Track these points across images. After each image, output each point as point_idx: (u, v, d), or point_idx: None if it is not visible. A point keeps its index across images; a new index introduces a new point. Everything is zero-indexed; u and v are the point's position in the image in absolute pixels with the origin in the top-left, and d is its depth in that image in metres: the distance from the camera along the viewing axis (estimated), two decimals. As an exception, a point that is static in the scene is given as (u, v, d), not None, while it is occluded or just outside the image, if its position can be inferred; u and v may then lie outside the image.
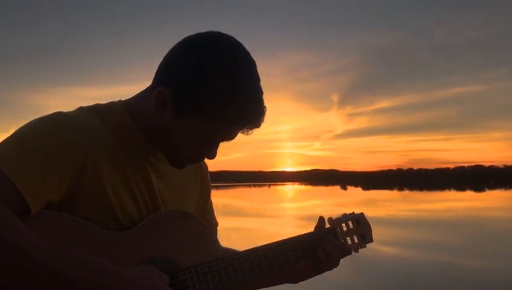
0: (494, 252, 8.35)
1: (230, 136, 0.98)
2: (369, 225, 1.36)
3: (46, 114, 0.93)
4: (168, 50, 0.98)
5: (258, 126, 0.96)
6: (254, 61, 0.97)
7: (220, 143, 1.00)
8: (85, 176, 0.89)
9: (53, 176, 0.84)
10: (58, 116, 0.92)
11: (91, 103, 1.01)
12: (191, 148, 0.98)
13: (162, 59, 0.99)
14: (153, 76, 1.00)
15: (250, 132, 0.98)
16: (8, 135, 0.88)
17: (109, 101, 1.03)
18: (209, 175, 1.24)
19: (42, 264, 0.73)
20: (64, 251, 0.77)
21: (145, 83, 1.02)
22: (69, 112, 0.96)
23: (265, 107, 0.96)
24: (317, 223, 1.25)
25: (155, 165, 1.03)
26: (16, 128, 0.90)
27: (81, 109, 0.98)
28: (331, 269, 1.21)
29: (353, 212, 1.36)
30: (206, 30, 0.98)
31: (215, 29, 0.98)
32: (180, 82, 0.93)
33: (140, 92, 1.02)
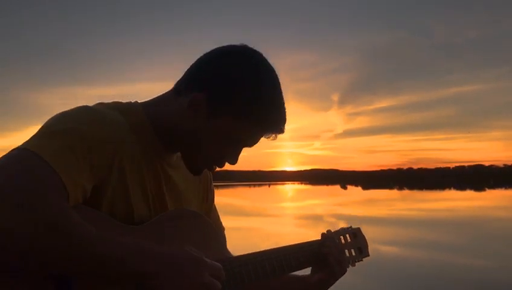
0: (495, 251, 8.36)
1: (254, 140, 1.04)
2: (365, 239, 1.41)
3: (55, 114, 0.94)
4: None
5: (282, 132, 1.04)
6: (277, 75, 1.04)
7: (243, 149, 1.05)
8: (112, 172, 0.92)
9: (87, 167, 0.87)
10: (87, 110, 0.94)
11: (91, 102, 1.01)
12: (216, 151, 1.02)
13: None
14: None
15: (274, 137, 1.04)
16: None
17: (113, 100, 1.04)
18: (212, 182, 1.27)
19: (92, 246, 0.78)
20: (111, 234, 0.83)
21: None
22: (96, 106, 0.97)
23: (286, 114, 1.03)
24: (322, 237, 1.30)
25: (166, 171, 1.05)
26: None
27: (103, 104, 0.99)
28: (340, 276, 1.25)
29: (350, 226, 1.41)
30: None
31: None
32: (213, 85, 0.98)
33: (161, 96, 1.05)
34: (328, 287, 1.26)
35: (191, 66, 1.03)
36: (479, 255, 7.98)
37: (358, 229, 1.39)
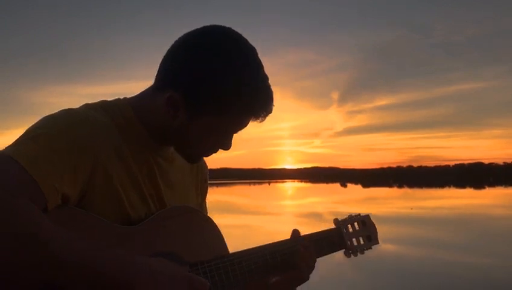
0: (494, 249, 8.35)
1: (243, 126, 1.01)
2: (375, 227, 1.36)
3: (53, 112, 0.93)
4: (168, 47, 0.99)
5: (270, 112, 1.00)
6: (255, 49, 0.99)
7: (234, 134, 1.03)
8: (96, 173, 0.90)
9: (68, 171, 0.85)
10: (68, 113, 0.93)
11: (90, 100, 1.01)
12: (207, 143, 1.01)
13: (160, 56, 1.01)
14: (152, 73, 1.02)
15: (264, 118, 1.00)
16: (17, 131, 0.88)
17: (113, 98, 1.04)
18: (208, 176, 1.26)
19: (64, 255, 0.74)
20: (87, 242, 0.79)
21: (145, 80, 1.04)
22: (77, 108, 0.96)
23: (272, 91, 0.99)
24: (292, 235, 1.21)
25: (160, 164, 1.04)
26: (15, 126, 0.90)
27: (88, 105, 0.98)
28: (301, 282, 1.15)
29: (359, 214, 1.37)
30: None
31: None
32: (188, 84, 0.94)
33: (145, 90, 1.03)
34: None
35: (164, 59, 0.99)
36: (479, 253, 7.99)
37: (368, 217, 1.36)
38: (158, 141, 1.02)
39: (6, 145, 0.85)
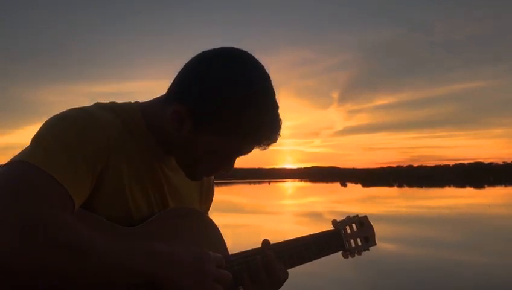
0: (494, 248, 8.36)
1: (247, 151, 1.00)
2: (373, 228, 1.37)
3: (54, 111, 0.93)
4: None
5: (274, 141, 0.98)
6: (268, 76, 0.98)
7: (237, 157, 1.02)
8: (107, 173, 0.91)
9: (86, 171, 0.86)
10: (81, 113, 0.92)
11: (91, 100, 1.01)
12: (208, 162, 0.99)
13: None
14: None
15: (268, 147, 0.99)
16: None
17: (114, 99, 1.04)
18: (213, 186, 1.25)
19: (106, 261, 0.76)
20: (120, 242, 0.81)
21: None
22: (89, 108, 0.96)
23: (280, 120, 0.97)
24: (262, 244, 1.15)
25: (166, 173, 1.04)
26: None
27: (99, 105, 0.98)
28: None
29: (357, 215, 1.37)
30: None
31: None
32: (195, 100, 0.94)
33: (156, 99, 1.03)
34: None
35: (179, 72, 0.99)
36: (478, 252, 8.00)
37: (365, 218, 1.36)
38: (164, 149, 1.02)
39: (15, 149, 0.85)
